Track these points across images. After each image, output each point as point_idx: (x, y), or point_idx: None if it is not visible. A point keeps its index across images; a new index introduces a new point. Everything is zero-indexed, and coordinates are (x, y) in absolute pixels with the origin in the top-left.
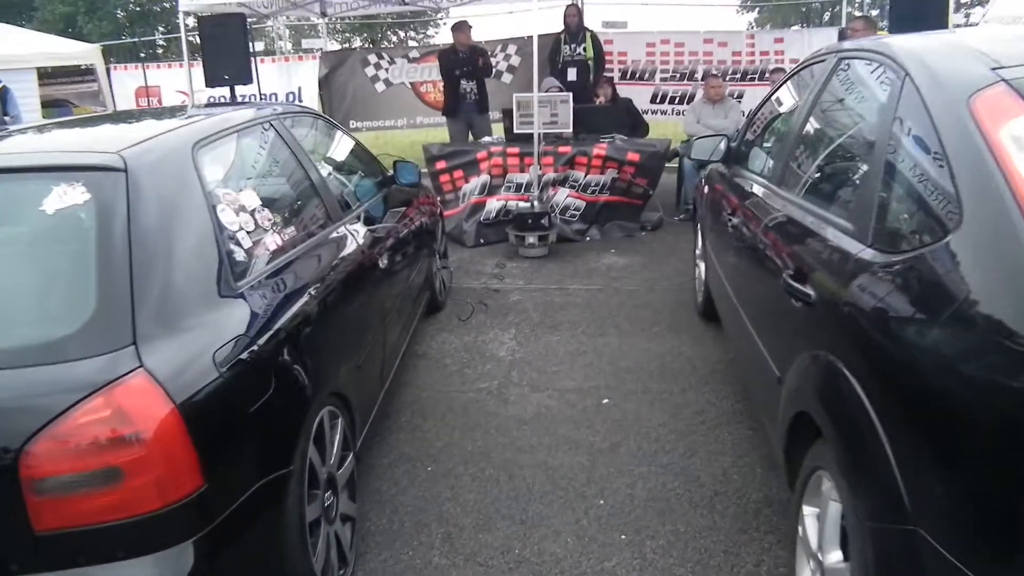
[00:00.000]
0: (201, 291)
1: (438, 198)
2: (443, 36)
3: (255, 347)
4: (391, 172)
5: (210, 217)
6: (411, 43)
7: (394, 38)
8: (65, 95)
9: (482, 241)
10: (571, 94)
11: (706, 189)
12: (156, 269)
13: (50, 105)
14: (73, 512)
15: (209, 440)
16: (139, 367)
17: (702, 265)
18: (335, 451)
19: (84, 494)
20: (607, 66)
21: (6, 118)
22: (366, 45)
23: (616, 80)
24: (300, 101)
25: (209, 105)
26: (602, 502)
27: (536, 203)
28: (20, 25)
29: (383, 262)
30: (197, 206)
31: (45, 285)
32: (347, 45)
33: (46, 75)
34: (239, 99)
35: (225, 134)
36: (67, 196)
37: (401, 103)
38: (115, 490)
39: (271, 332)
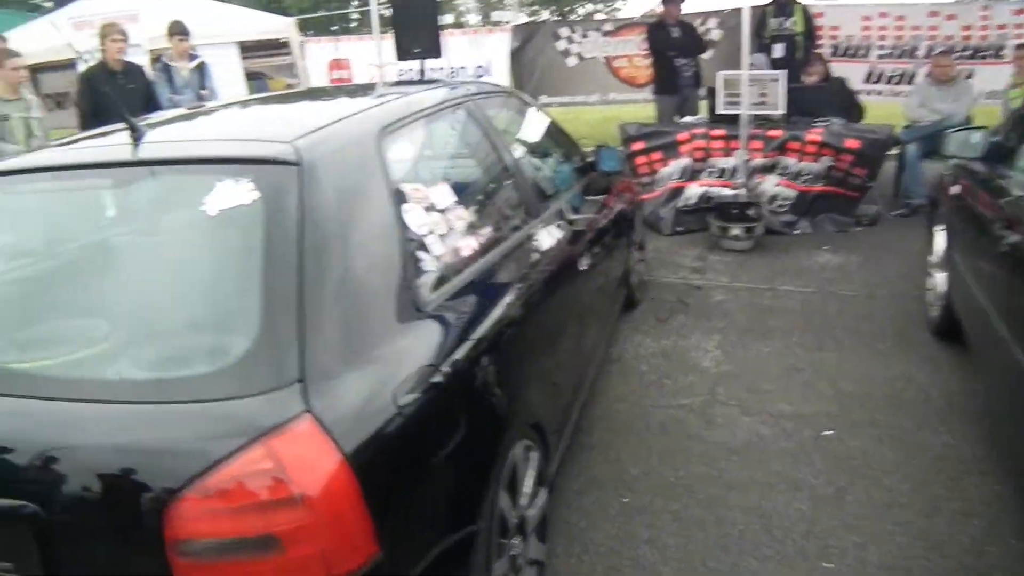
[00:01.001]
0: (383, 313)
1: (636, 183)
2: (629, 9)
3: (443, 381)
4: (591, 157)
5: (396, 220)
6: (598, 15)
7: (580, 10)
8: (261, 68)
9: (679, 229)
10: (784, 72)
11: (955, 188)
12: (332, 287)
13: (250, 78)
14: None
15: (386, 500)
16: (306, 411)
17: (941, 275)
18: (528, 491)
19: (236, 562)
20: (817, 41)
21: (203, 92)
22: (554, 18)
23: (826, 57)
24: (489, 75)
25: (399, 83)
26: (828, 565)
27: (743, 191)
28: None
29: (584, 263)
30: (382, 207)
31: (200, 302)
32: (534, 17)
33: (244, 48)
34: (428, 72)
35: (414, 119)
36: (232, 194)
37: (593, 78)
38: (272, 560)
39: (462, 361)
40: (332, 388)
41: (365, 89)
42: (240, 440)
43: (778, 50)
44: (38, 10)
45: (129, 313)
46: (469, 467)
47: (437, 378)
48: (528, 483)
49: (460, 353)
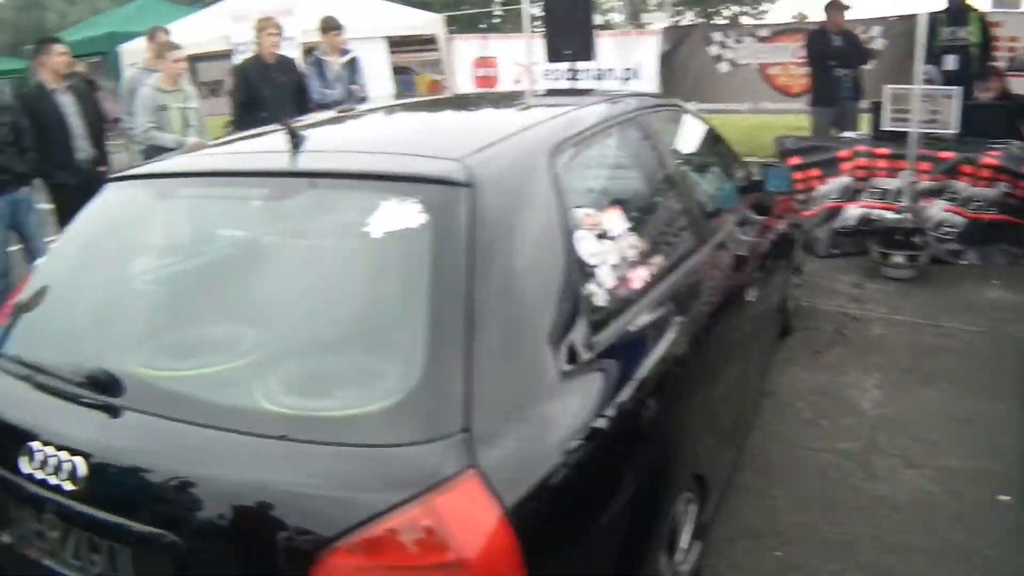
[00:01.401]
0: (551, 356)
1: (799, 202)
2: (776, 13)
3: (610, 432)
4: (756, 175)
5: (569, 250)
6: (744, 18)
7: (725, 12)
8: (408, 63)
9: (835, 251)
10: (960, 88)
11: None
12: (501, 326)
13: (397, 72)
14: None
15: (548, 565)
16: (471, 466)
17: None
18: (684, 546)
19: None
20: (994, 53)
21: (353, 86)
22: (699, 20)
23: (1003, 71)
24: (638, 79)
25: (557, 91)
26: None
27: (908, 215)
28: None
29: (749, 292)
30: (555, 235)
31: (357, 332)
32: (678, 19)
33: (391, 43)
34: (577, 75)
35: (586, 135)
36: (398, 216)
37: (746, 85)
38: None
39: (629, 409)
40: (497, 439)
41: (527, 98)
42: (401, 493)
43: (950, 62)
44: (198, 2)
45: (279, 334)
46: (631, 528)
47: (603, 428)
48: (685, 538)
49: (626, 400)
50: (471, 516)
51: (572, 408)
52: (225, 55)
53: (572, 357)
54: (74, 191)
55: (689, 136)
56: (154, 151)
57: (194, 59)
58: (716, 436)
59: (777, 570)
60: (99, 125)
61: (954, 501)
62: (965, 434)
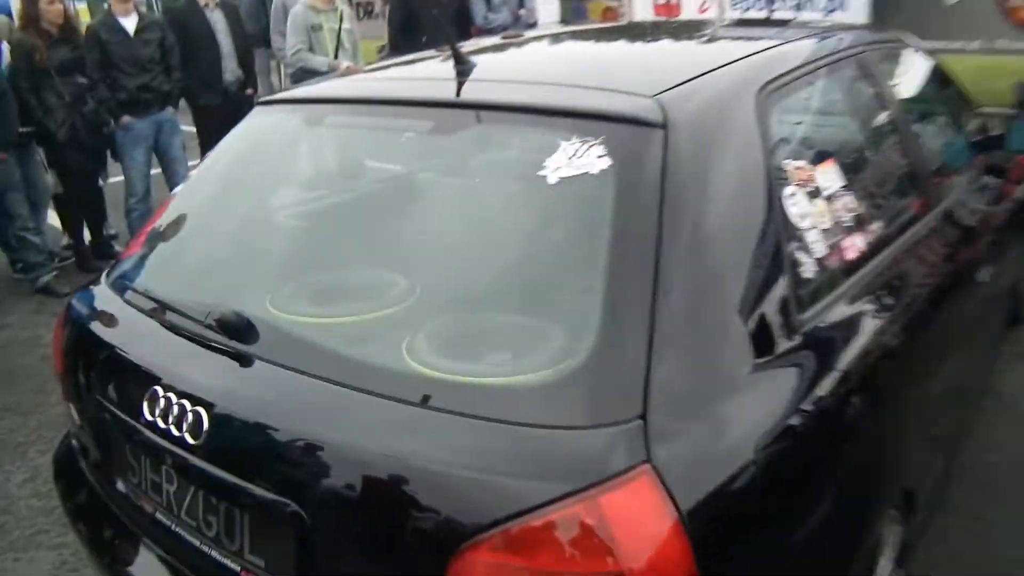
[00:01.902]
0: (752, 332)
1: None
2: None
3: (816, 430)
4: (994, 130)
5: (775, 208)
6: None
7: None
8: None
9: None
10: None
11: None
12: (691, 297)
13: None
14: None
15: None
16: (646, 460)
17: None
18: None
19: None
20: None
21: (520, 12)
22: None
23: None
24: (843, 10)
25: (743, 23)
26: None
27: None
28: None
29: (978, 272)
30: (761, 191)
31: (520, 289)
32: None
33: None
34: (775, 7)
35: (799, 74)
36: (578, 159)
37: (977, 19)
38: None
39: (835, 405)
40: (675, 432)
41: (720, 30)
42: (561, 486)
43: None
44: None
45: (431, 285)
46: (827, 550)
47: (800, 428)
48: (887, 564)
49: (829, 396)
50: (641, 519)
51: (765, 401)
52: None
53: (770, 341)
54: (218, 114)
55: (915, 79)
56: (303, 75)
57: None
58: (929, 443)
59: None
60: (247, 46)
61: None
62: None
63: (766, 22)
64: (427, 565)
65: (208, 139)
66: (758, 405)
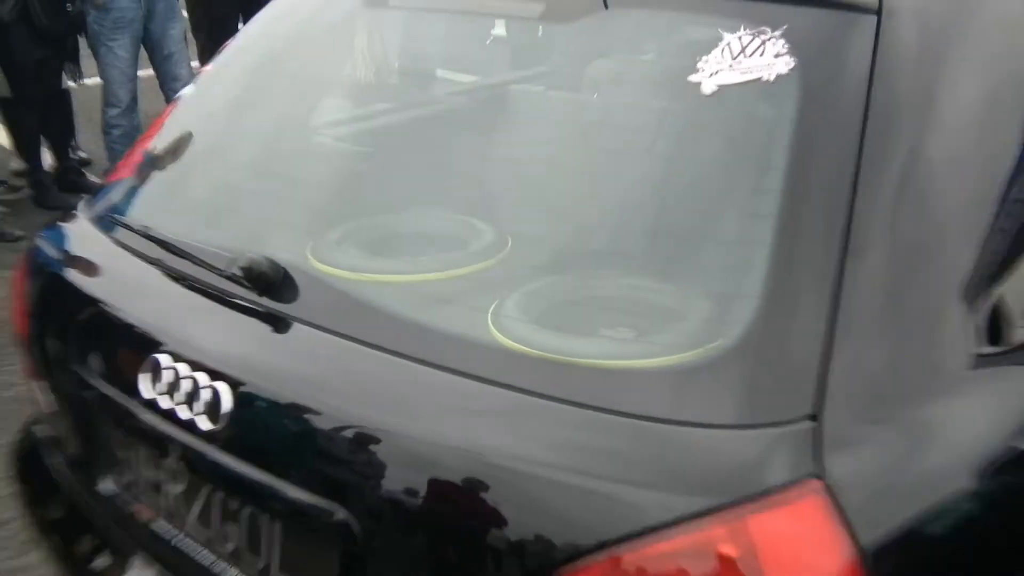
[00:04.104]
0: (978, 318)
1: None
2: None
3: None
4: None
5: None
6: None
7: None
8: None
9: None
10: None
11: None
12: (900, 256)
13: None
14: None
15: None
16: (815, 474)
17: None
18: None
19: None
20: None
21: None
22: None
23: None
24: None
25: None
26: None
27: None
28: None
29: None
30: (1015, 110)
31: (651, 246)
32: None
33: None
34: None
35: None
36: (745, 58)
37: None
38: None
39: None
40: (863, 438)
41: None
42: (698, 501)
43: None
44: None
45: (530, 234)
46: None
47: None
48: None
49: None
50: (803, 552)
51: (992, 407)
52: None
53: (1006, 327)
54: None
55: None
56: None
57: None
58: None
59: None
60: None
61: None
62: None
63: None
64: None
65: (215, 28)
66: (982, 412)
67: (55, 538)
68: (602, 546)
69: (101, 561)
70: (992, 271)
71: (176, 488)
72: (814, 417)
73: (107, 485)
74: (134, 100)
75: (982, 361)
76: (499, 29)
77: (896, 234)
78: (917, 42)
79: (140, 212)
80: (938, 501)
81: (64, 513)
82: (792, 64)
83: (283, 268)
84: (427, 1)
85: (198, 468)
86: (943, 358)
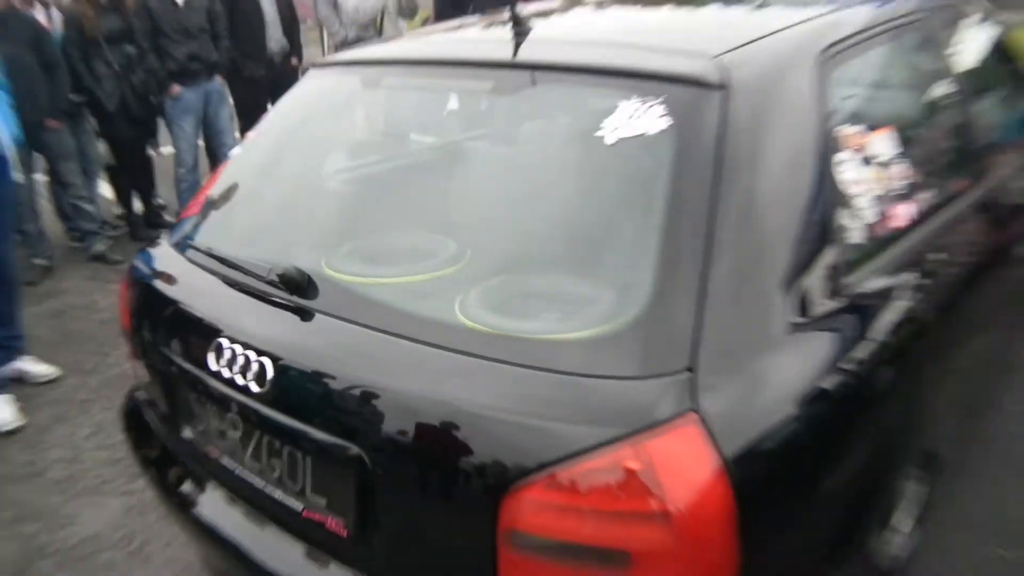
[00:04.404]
0: (797, 293)
1: None
2: None
3: (850, 388)
4: None
5: (828, 174)
6: None
7: None
8: None
9: None
10: None
11: None
12: (744, 257)
13: None
14: None
15: (761, 531)
16: (692, 409)
17: None
18: (906, 530)
19: (572, 570)
20: None
21: None
22: None
23: None
24: None
25: None
26: None
27: None
28: None
29: (1017, 247)
30: (814, 155)
31: (577, 252)
32: None
33: None
34: None
35: (858, 39)
36: (637, 119)
37: None
38: None
39: (875, 364)
40: (723, 383)
41: None
42: (610, 431)
43: None
44: None
45: (487, 246)
46: (851, 500)
47: (844, 384)
48: (907, 520)
49: (871, 355)
50: (686, 464)
51: (807, 360)
52: None
53: (814, 302)
54: (263, 85)
55: (975, 49)
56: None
57: None
58: (954, 411)
59: (996, 572)
60: (293, 15)
61: None
62: None
63: None
64: (480, 503)
65: (250, 110)
66: (798, 363)
67: (153, 471)
68: (542, 466)
69: (186, 487)
70: (799, 267)
71: (235, 434)
72: (691, 369)
73: (187, 433)
74: (196, 162)
75: (795, 328)
76: (453, 104)
77: (740, 243)
78: (751, 108)
79: (204, 238)
80: (772, 423)
81: (158, 453)
82: (669, 123)
83: (307, 274)
84: (409, 81)
85: (251, 419)
86: (771, 326)
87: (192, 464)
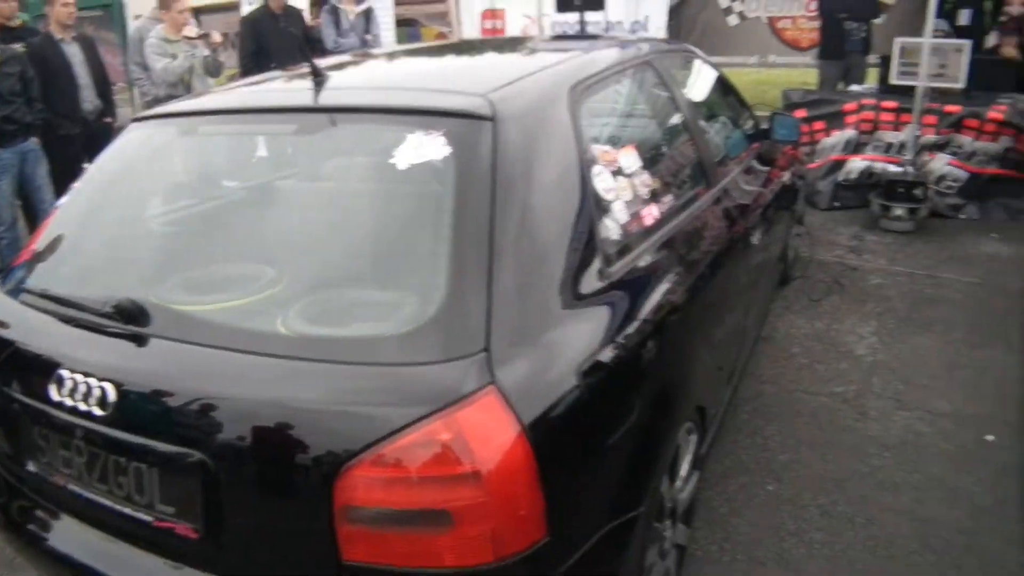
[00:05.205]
0: (566, 284)
1: (803, 153)
2: None
3: (623, 358)
4: (764, 123)
5: (586, 184)
6: None
7: None
8: (414, 15)
9: (837, 204)
10: (970, 42)
11: None
12: (521, 253)
13: (401, 24)
14: (387, 551)
15: (558, 480)
16: (491, 383)
17: None
18: (684, 473)
19: (403, 533)
20: (1006, 8)
21: (368, 37)
22: None
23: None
24: (646, 31)
25: (565, 37)
26: None
27: (910, 168)
28: None
29: (752, 237)
30: (572, 169)
31: (383, 260)
32: None
33: None
34: (586, 28)
35: (604, 76)
36: (423, 148)
37: (754, 39)
38: (440, 535)
39: (642, 336)
40: (515, 360)
41: (539, 43)
42: (422, 409)
43: (964, 16)
44: None
45: (303, 264)
46: (640, 450)
47: (615, 354)
48: (685, 466)
49: (638, 329)
50: (490, 430)
51: (584, 336)
52: (230, 7)
53: (586, 286)
54: (78, 143)
55: (700, 81)
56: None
57: (198, 12)
58: (716, 373)
59: (769, 503)
60: (105, 76)
61: (942, 441)
62: (956, 379)
63: (579, 36)
64: (316, 487)
65: (66, 167)
66: (579, 341)
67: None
68: (368, 446)
69: (34, 521)
70: (571, 260)
71: (81, 460)
72: (486, 350)
73: (31, 467)
74: (15, 220)
75: (573, 310)
76: (262, 146)
77: (518, 244)
78: (517, 134)
79: (37, 282)
80: (563, 389)
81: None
82: (450, 151)
83: (140, 304)
84: (222, 128)
85: (96, 442)
86: (549, 310)
87: (39, 497)
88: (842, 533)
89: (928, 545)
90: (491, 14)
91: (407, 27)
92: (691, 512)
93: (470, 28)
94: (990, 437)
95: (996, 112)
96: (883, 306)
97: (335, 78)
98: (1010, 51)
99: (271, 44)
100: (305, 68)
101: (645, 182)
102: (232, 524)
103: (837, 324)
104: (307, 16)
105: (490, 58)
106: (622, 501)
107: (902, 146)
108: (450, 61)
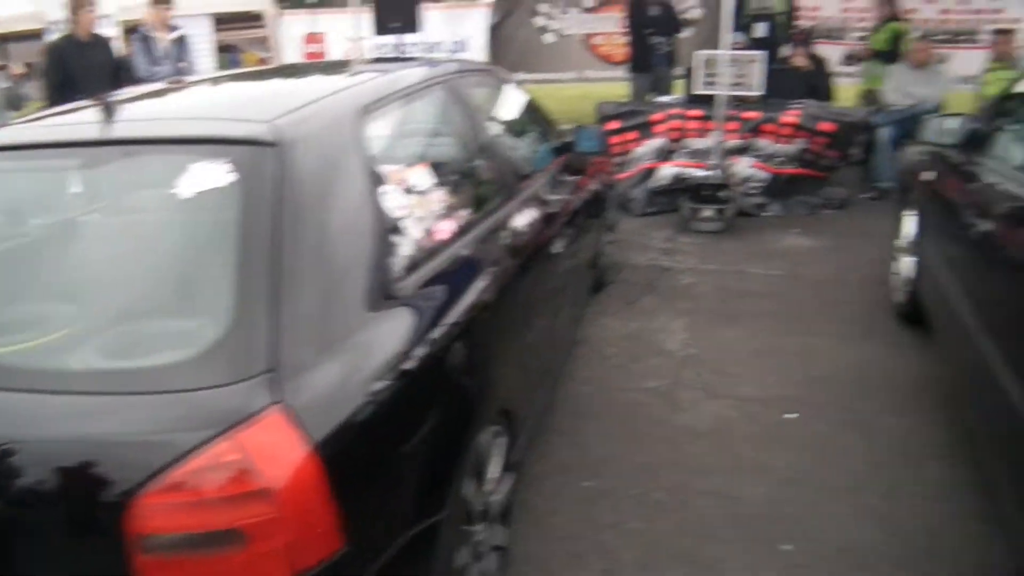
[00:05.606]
0: (357, 301)
1: (613, 163)
2: None
3: (415, 369)
4: (568, 136)
5: (374, 204)
6: None
7: None
8: (235, 41)
9: (651, 210)
10: (764, 53)
11: (928, 174)
12: (307, 274)
13: (223, 50)
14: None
15: (353, 491)
16: (275, 402)
17: (909, 260)
18: (494, 477)
19: (199, 557)
20: (796, 22)
21: (181, 64)
22: None
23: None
24: (466, 51)
25: (379, 60)
26: (788, 548)
27: (716, 172)
28: None
29: (557, 245)
30: (360, 190)
31: (169, 288)
32: None
33: (218, 20)
34: (405, 48)
35: (395, 98)
36: (207, 176)
37: (570, 55)
38: (236, 554)
39: (434, 347)
40: (303, 378)
41: (345, 67)
42: (207, 432)
43: (760, 29)
44: None
45: (94, 299)
46: (437, 456)
47: (408, 366)
48: (494, 469)
49: (432, 340)
50: (276, 447)
51: (380, 349)
52: (37, 34)
53: (378, 302)
54: None
55: (500, 99)
56: None
57: (3, 39)
58: (524, 377)
59: (587, 498)
60: None
61: (749, 423)
62: (761, 365)
63: (394, 60)
64: (108, 519)
65: None
66: (374, 353)
67: None
68: (161, 470)
69: None
70: (362, 280)
71: None
72: (272, 370)
73: None
74: None
75: (367, 327)
76: (66, 173)
77: (308, 265)
78: (303, 157)
79: None
80: (357, 403)
81: None
82: (235, 177)
83: None
84: (8, 165)
85: None
86: (345, 327)
87: None
88: (657, 519)
89: (737, 520)
90: (312, 38)
91: (228, 53)
92: (508, 514)
93: (292, 52)
94: (792, 415)
95: (791, 116)
96: (694, 303)
97: (126, 110)
98: (801, 60)
99: (77, 73)
100: (103, 99)
101: (439, 198)
102: (27, 571)
103: (650, 323)
104: (120, 44)
105: (291, 83)
106: (423, 507)
107: (708, 151)
108: (246, 88)
